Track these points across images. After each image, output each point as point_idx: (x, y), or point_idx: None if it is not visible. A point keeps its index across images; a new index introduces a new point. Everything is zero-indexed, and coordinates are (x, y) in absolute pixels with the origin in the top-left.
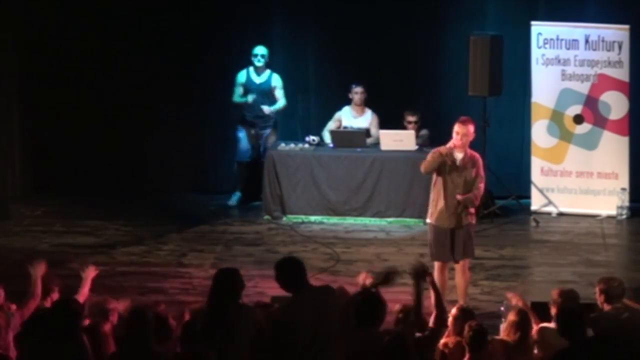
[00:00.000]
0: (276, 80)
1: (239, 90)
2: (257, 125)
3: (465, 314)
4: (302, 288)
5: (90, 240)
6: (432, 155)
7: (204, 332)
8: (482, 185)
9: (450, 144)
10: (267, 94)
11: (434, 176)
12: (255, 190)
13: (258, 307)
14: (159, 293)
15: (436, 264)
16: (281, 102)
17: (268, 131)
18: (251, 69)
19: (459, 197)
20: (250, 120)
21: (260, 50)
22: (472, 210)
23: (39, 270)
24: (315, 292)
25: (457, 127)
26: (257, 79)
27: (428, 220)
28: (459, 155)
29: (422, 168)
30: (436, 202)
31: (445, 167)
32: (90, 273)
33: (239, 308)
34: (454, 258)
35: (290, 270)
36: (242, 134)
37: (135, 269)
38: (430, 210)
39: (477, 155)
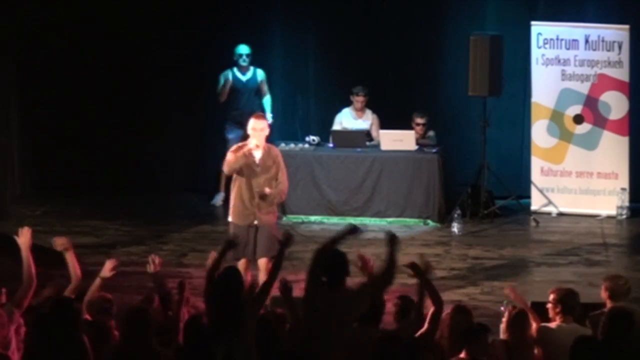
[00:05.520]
0: (261, 75)
1: (222, 81)
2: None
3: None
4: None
5: (90, 240)
6: (234, 155)
7: (210, 331)
8: (285, 179)
9: (251, 144)
10: (255, 91)
11: (234, 175)
12: None
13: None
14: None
15: (240, 263)
16: (268, 98)
17: None
18: (235, 69)
19: (267, 190)
20: (240, 120)
21: (244, 49)
22: (274, 208)
23: (26, 238)
24: (343, 292)
25: (254, 124)
26: (244, 77)
27: (229, 219)
28: (257, 154)
29: (226, 168)
30: (236, 202)
31: (247, 167)
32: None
33: (243, 306)
34: (255, 256)
35: (328, 263)
36: (232, 135)
37: (135, 269)
38: (231, 210)
39: (274, 148)
